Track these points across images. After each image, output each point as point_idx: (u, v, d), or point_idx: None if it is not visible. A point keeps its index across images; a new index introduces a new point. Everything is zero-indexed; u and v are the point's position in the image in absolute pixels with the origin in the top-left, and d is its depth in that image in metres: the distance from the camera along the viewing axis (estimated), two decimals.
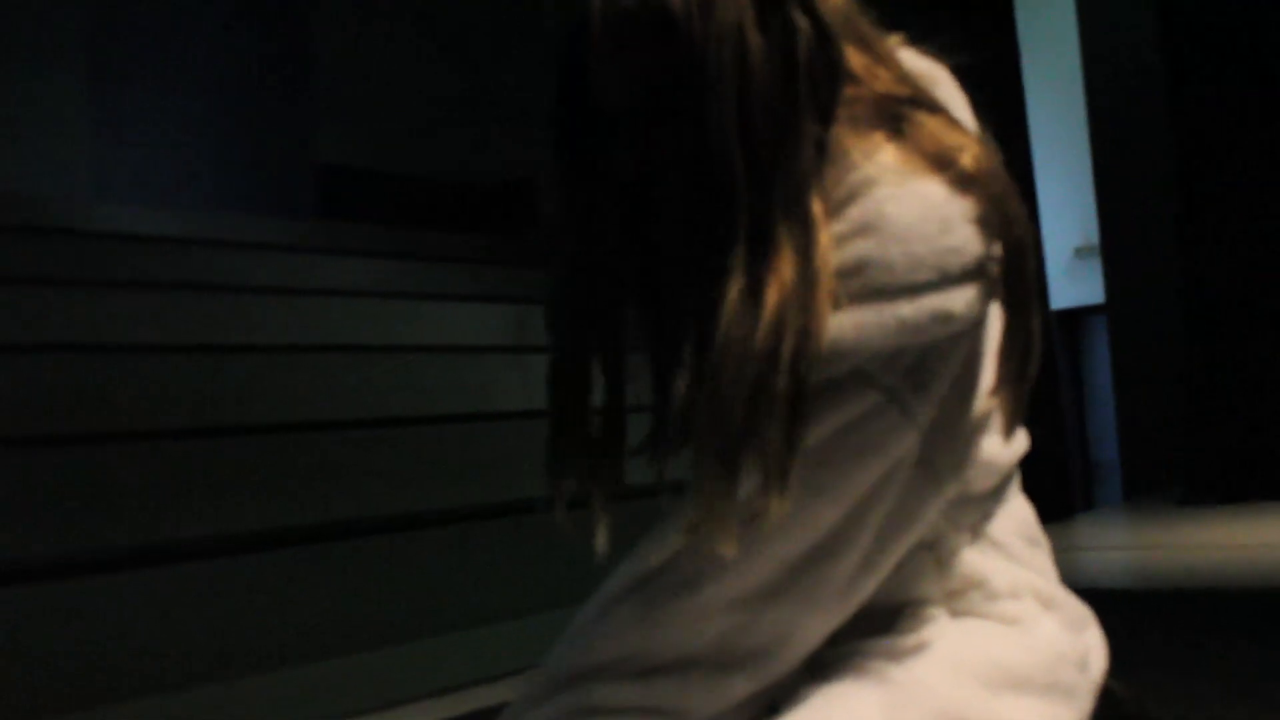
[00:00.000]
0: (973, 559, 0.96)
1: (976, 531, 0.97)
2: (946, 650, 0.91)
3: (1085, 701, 0.97)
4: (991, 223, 0.86)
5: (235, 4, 7.34)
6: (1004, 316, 0.90)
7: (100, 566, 2.52)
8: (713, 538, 0.84)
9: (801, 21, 0.83)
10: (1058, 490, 5.18)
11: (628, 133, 0.87)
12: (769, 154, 0.83)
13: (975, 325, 0.87)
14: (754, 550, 0.86)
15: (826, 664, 0.91)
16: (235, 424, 3.43)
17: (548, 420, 0.93)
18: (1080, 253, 8.86)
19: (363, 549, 2.95)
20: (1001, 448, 0.96)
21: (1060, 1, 7.51)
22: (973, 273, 0.85)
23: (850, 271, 0.85)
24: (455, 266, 5.79)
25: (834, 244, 0.85)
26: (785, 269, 0.82)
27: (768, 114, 0.82)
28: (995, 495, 0.98)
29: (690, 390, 0.84)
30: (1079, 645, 0.99)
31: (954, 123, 0.90)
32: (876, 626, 0.93)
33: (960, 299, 0.85)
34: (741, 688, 0.88)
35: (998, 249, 0.87)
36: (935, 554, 0.95)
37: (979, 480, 0.95)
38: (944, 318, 0.84)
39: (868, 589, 0.89)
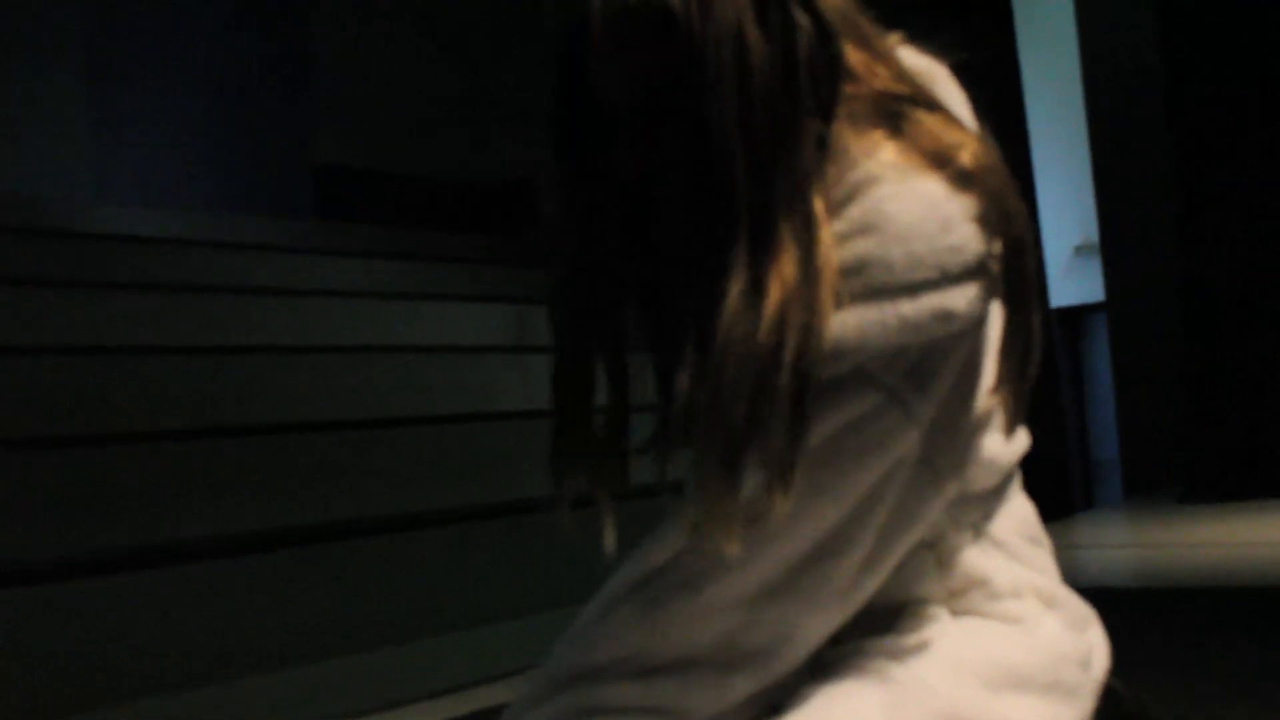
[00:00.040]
0: (974, 558, 0.96)
1: (978, 530, 0.97)
2: (948, 649, 0.91)
3: (1087, 701, 0.97)
4: (991, 220, 0.86)
5: (235, 4, 7.34)
6: (1004, 315, 0.90)
7: (100, 567, 2.52)
8: (715, 537, 0.84)
9: (801, 18, 0.83)
10: (1058, 489, 5.17)
11: (628, 132, 0.87)
12: (770, 151, 0.83)
13: (976, 324, 0.87)
14: (756, 550, 0.85)
15: (828, 663, 0.91)
16: (235, 424, 3.43)
17: (551, 420, 0.93)
18: (1080, 251, 8.85)
19: (363, 549, 2.95)
20: (1002, 446, 0.96)
21: (1060, 1, 7.51)
22: (973, 271, 0.85)
23: (851, 270, 0.85)
24: (455, 266, 5.79)
25: (835, 242, 0.85)
26: (787, 266, 0.82)
27: (768, 111, 0.82)
28: (996, 494, 0.98)
29: (692, 389, 0.84)
30: (1081, 644, 0.99)
31: (953, 120, 0.90)
32: (878, 626, 0.93)
33: (961, 297, 0.85)
34: (743, 687, 0.88)
35: (998, 247, 0.87)
36: (937, 553, 0.95)
37: (980, 479, 0.95)
38: (945, 316, 0.84)
39: (869, 588, 0.89)
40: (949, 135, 0.88)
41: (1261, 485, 5.03)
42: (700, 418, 0.83)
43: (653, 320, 0.92)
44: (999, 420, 0.93)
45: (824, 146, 0.86)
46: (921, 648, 0.91)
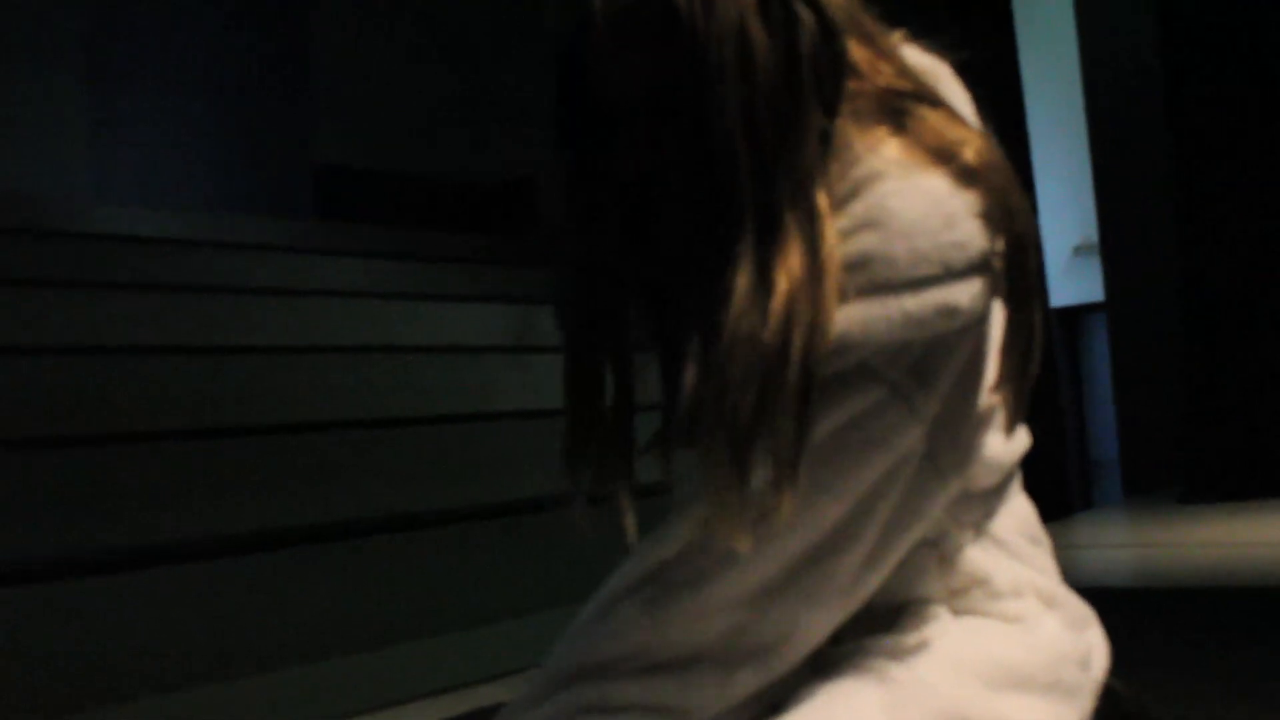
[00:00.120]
0: (975, 557, 0.96)
1: (979, 529, 0.97)
2: (948, 648, 0.91)
3: (1087, 700, 0.97)
4: (995, 217, 0.86)
5: (235, 4, 7.34)
6: (1006, 312, 0.90)
7: (100, 567, 2.52)
8: (724, 533, 0.84)
9: (805, 14, 0.83)
10: (1057, 489, 5.17)
11: (629, 131, 0.87)
12: (773, 147, 0.82)
13: (980, 320, 0.87)
14: (758, 547, 0.85)
15: (829, 662, 0.90)
16: (235, 424, 3.43)
17: (564, 419, 0.93)
18: (1080, 251, 8.86)
19: (362, 549, 2.95)
20: (1003, 445, 0.96)
21: (1059, 1, 7.51)
22: (977, 267, 0.85)
23: (854, 266, 0.85)
24: (455, 266, 5.78)
25: (839, 238, 0.85)
26: (794, 261, 0.82)
27: (771, 107, 0.82)
28: (997, 492, 0.98)
29: (698, 385, 0.84)
30: (1081, 644, 0.99)
31: (956, 117, 0.90)
32: (879, 624, 0.93)
33: (965, 293, 0.85)
34: (745, 685, 0.87)
35: (1001, 243, 0.87)
36: (938, 551, 0.94)
37: (981, 477, 0.95)
38: (949, 312, 0.84)
39: (871, 585, 0.89)
40: (952, 132, 0.88)
41: (1261, 485, 5.02)
42: (707, 413, 0.83)
43: (656, 318, 0.92)
44: (1000, 418, 0.93)
45: (827, 142, 0.86)
46: (922, 647, 0.91)
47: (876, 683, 0.88)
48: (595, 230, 0.90)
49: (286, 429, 3.45)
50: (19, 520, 2.64)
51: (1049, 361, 4.84)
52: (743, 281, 0.82)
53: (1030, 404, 0.93)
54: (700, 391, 0.83)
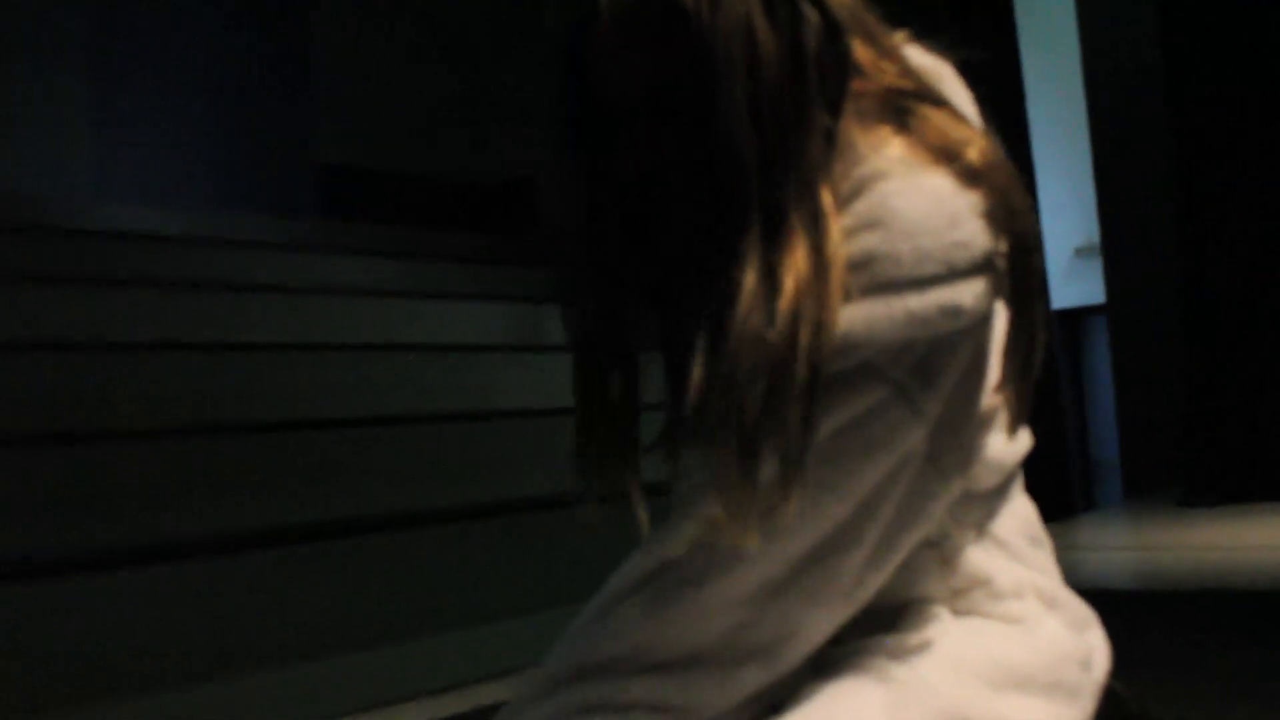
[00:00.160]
0: (977, 557, 0.96)
1: (980, 530, 0.97)
2: (950, 649, 0.91)
3: (1088, 701, 0.97)
4: (998, 217, 0.86)
5: (235, 4, 7.34)
6: (1009, 313, 0.89)
7: (100, 564, 2.52)
8: (732, 530, 0.84)
9: (810, 13, 0.83)
10: (1058, 490, 5.17)
11: (630, 130, 0.87)
12: (778, 145, 0.82)
13: (983, 319, 0.87)
14: (761, 546, 0.85)
15: (830, 662, 0.90)
16: (236, 422, 3.43)
17: (575, 418, 0.94)
18: (1080, 252, 8.86)
19: (362, 548, 2.95)
20: (1005, 445, 0.96)
21: (1061, 1, 7.51)
22: (980, 266, 0.85)
23: (858, 265, 0.85)
24: (455, 266, 5.78)
25: (842, 237, 0.85)
26: (800, 261, 0.82)
27: (777, 105, 0.82)
28: (999, 493, 0.98)
29: (704, 383, 0.84)
30: (1082, 645, 0.99)
31: (959, 117, 0.90)
32: (880, 624, 0.93)
33: (968, 292, 0.85)
34: (747, 684, 0.87)
35: (1004, 243, 0.86)
36: (940, 552, 0.94)
37: (983, 478, 0.95)
38: (952, 311, 0.84)
39: (874, 585, 0.89)
40: (956, 131, 0.88)
41: (1262, 487, 5.02)
42: (713, 410, 0.83)
43: (661, 317, 0.92)
44: (1002, 419, 0.93)
45: (831, 141, 0.86)
46: (923, 647, 0.91)
47: (878, 683, 0.88)
48: (596, 230, 0.90)
49: (287, 427, 3.45)
50: (19, 518, 2.64)
51: (1050, 363, 4.84)
52: (749, 280, 0.82)
53: (1032, 405, 0.93)
54: (706, 389, 0.83)
